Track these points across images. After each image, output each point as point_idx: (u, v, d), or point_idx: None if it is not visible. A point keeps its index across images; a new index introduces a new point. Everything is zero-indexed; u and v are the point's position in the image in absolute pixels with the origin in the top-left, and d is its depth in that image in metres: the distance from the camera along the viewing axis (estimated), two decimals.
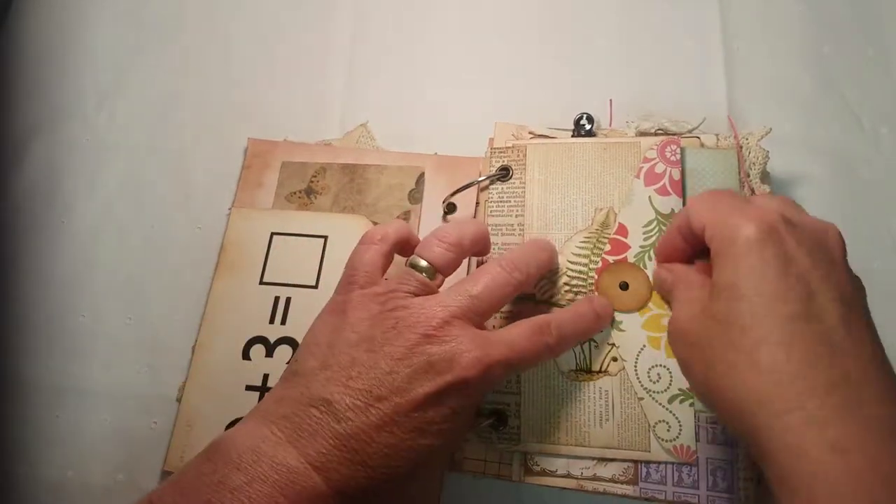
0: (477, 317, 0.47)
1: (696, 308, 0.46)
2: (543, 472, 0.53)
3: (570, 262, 0.57)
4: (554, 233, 0.58)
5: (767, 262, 0.42)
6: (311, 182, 0.66)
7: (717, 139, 0.60)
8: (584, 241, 0.57)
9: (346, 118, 0.70)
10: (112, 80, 0.73)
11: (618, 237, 0.57)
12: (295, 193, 0.66)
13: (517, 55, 0.72)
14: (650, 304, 0.54)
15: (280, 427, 0.43)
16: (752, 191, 0.57)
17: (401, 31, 0.74)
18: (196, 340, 0.62)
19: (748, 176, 0.58)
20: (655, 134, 0.61)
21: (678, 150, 0.58)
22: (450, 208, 0.63)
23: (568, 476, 0.53)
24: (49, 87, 0.73)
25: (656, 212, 0.57)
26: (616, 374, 0.54)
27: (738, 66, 0.70)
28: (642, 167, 0.58)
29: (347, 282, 0.49)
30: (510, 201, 0.60)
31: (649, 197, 0.57)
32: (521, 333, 0.48)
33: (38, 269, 0.66)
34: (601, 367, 0.54)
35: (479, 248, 0.53)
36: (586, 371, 0.54)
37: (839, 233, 0.45)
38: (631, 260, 0.56)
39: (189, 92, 0.73)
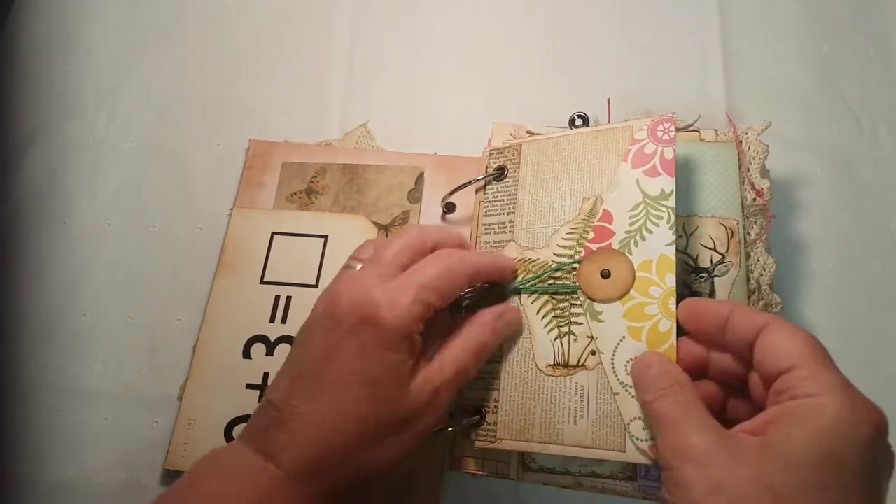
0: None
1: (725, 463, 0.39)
2: (542, 470, 0.53)
3: (555, 254, 0.55)
4: (542, 226, 0.57)
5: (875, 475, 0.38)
6: (312, 182, 0.67)
7: (717, 134, 0.60)
8: (570, 232, 0.56)
9: (347, 118, 0.71)
10: (112, 80, 0.73)
11: (602, 224, 0.54)
12: (295, 194, 0.66)
13: (517, 55, 0.72)
14: (632, 292, 0.51)
15: (241, 436, 0.47)
16: (753, 185, 0.57)
17: (401, 31, 0.74)
18: (197, 339, 0.62)
19: (748, 170, 0.58)
20: None
21: (672, 128, 0.54)
22: (449, 208, 0.64)
23: (566, 473, 0.53)
24: (49, 88, 0.73)
25: (644, 194, 0.54)
26: (593, 369, 0.50)
27: (738, 66, 0.70)
28: (630, 149, 0.56)
29: None
30: (503, 199, 0.60)
31: (637, 180, 0.55)
32: (429, 264, 0.49)
33: (38, 269, 0.66)
34: (579, 361, 0.51)
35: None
36: (563, 365, 0.51)
37: None
38: (616, 246, 0.53)
39: (189, 92, 0.73)
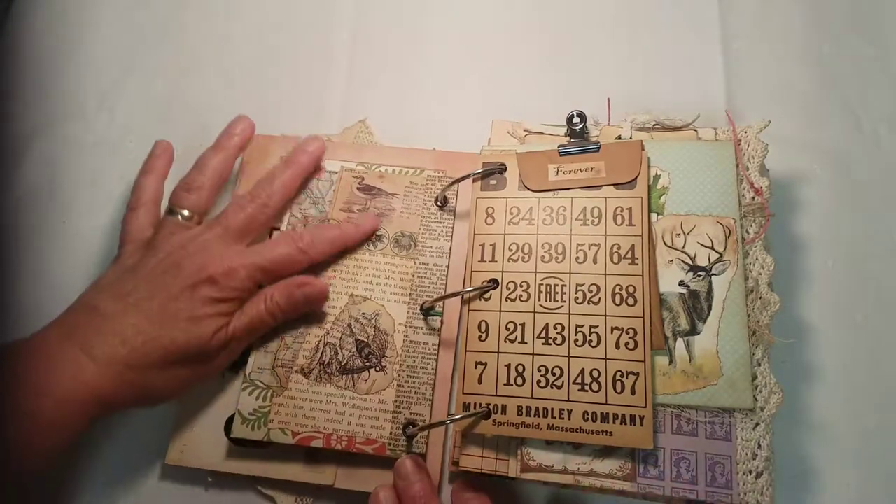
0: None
1: None
2: (540, 468, 0.53)
3: None
4: None
5: None
6: None
7: (716, 133, 0.60)
8: None
9: (347, 118, 0.70)
10: (112, 80, 0.73)
11: None
12: None
13: (517, 54, 0.72)
14: None
15: (60, 330, 0.53)
16: (752, 184, 0.57)
17: (401, 29, 0.74)
18: None
19: (747, 169, 0.58)
20: (652, 129, 0.62)
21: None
22: (442, 203, 0.64)
23: (565, 472, 0.53)
24: (50, 88, 0.73)
25: None
26: None
27: (738, 66, 0.70)
28: None
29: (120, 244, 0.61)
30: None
31: None
32: (277, 243, 0.60)
33: (38, 269, 0.67)
34: None
35: (226, 173, 0.65)
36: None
37: None
38: None
39: (189, 92, 0.73)
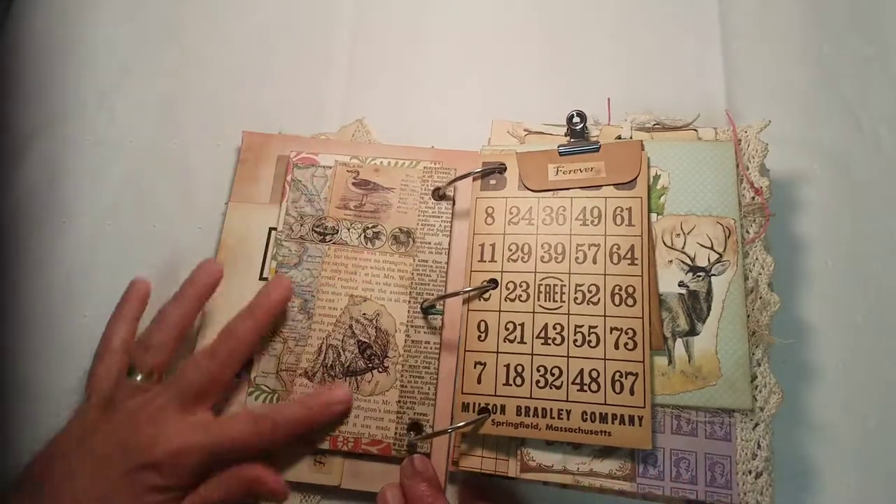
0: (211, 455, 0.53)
1: None
2: (540, 468, 0.53)
3: None
4: None
5: None
6: None
7: (716, 133, 0.60)
8: None
9: (346, 116, 0.70)
10: (112, 80, 0.73)
11: None
12: None
13: (517, 54, 0.72)
14: None
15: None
16: (752, 184, 0.57)
17: (401, 29, 0.74)
18: (196, 338, 0.62)
19: (747, 169, 0.58)
20: (652, 129, 0.62)
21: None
22: (440, 197, 0.64)
23: (564, 472, 0.53)
24: (50, 88, 0.73)
25: None
26: None
27: (738, 66, 0.70)
28: None
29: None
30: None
31: None
32: (235, 421, 0.55)
33: (38, 269, 0.66)
34: None
35: (188, 324, 0.60)
36: None
37: None
38: None
39: (189, 92, 0.73)
